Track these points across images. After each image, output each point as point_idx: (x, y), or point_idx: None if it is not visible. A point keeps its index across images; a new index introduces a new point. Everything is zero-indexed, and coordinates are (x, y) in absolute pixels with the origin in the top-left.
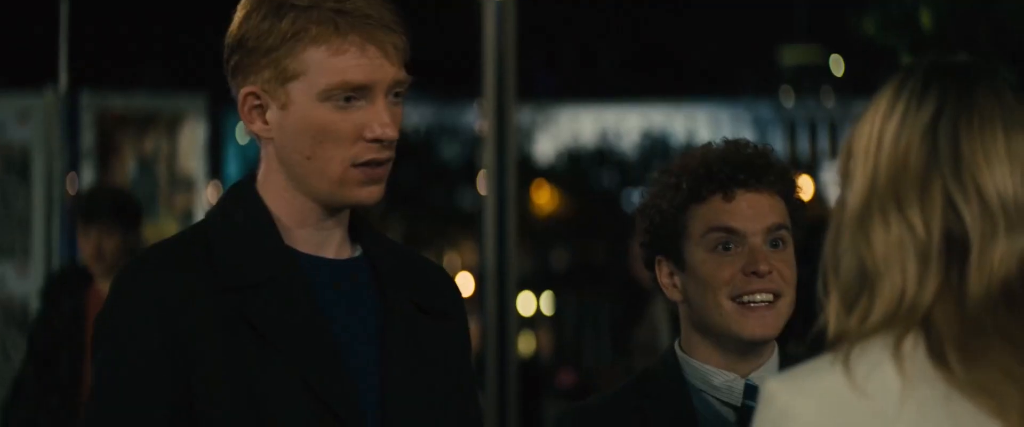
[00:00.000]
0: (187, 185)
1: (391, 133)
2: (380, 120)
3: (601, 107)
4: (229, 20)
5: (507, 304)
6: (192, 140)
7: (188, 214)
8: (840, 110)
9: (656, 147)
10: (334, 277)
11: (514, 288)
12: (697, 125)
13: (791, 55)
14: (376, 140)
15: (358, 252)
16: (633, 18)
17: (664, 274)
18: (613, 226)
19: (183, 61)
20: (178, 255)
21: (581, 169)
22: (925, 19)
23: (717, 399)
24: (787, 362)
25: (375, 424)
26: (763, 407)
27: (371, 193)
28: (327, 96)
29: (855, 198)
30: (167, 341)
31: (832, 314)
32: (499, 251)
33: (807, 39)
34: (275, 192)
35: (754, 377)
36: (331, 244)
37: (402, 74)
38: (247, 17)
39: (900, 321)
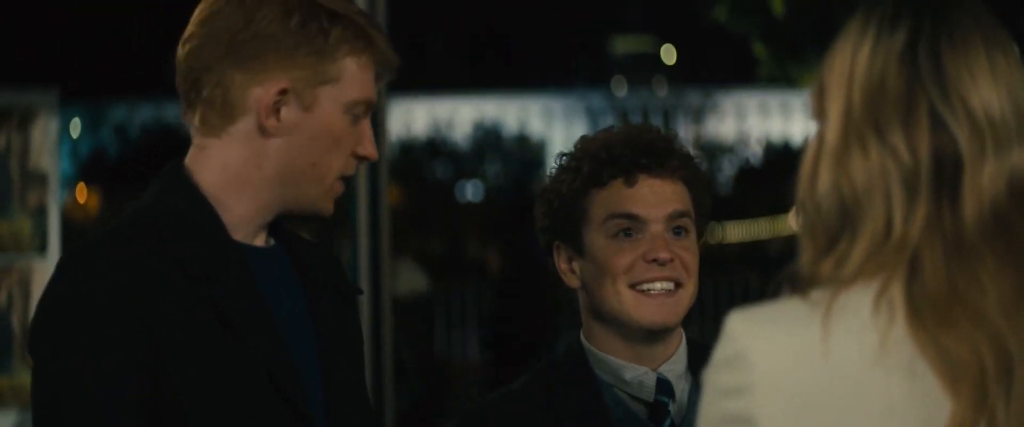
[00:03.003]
0: (41, 180)
1: (376, 152)
2: (370, 138)
3: (433, 99)
4: (82, 13)
5: (382, 297)
6: (44, 135)
7: (42, 210)
8: (672, 98)
9: (488, 138)
10: (268, 267)
11: (388, 281)
12: (529, 115)
13: (623, 44)
14: (364, 157)
15: (272, 241)
16: (465, 8)
17: (562, 260)
18: (447, 217)
19: (33, 54)
20: (134, 241)
21: (414, 161)
22: (776, 5)
23: (627, 394)
24: (695, 351)
25: (321, 411)
26: (723, 342)
27: (332, 207)
28: (350, 108)
29: (831, 132)
30: (137, 326)
31: (805, 257)
32: (373, 247)
33: (639, 29)
34: (233, 185)
35: (664, 370)
36: (263, 234)
37: None
38: (278, 15)
39: (886, 261)
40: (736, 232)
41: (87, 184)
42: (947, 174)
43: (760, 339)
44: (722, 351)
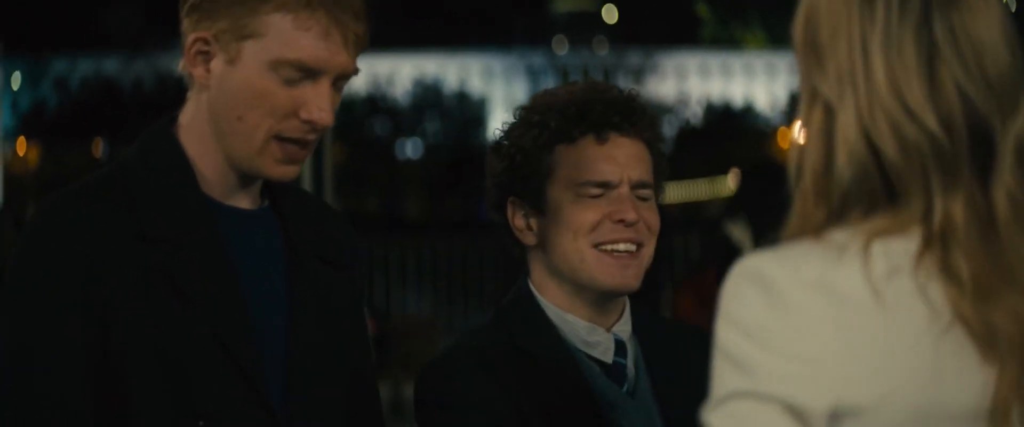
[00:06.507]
0: None
1: (327, 119)
2: (319, 104)
3: (373, 56)
4: None
5: None
6: None
7: None
8: (613, 58)
9: (428, 96)
10: (246, 229)
11: None
12: (470, 74)
13: (564, 3)
14: (309, 122)
15: (265, 202)
16: None
17: (516, 216)
18: (386, 174)
19: None
20: (100, 197)
21: (354, 118)
22: None
23: (586, 355)
24: (635, 313)
25: (280, 382)
26: (762, 292)
27: (286, 171)
28: (276, 67)
29: (847, 113)
30: (86, 287)
31: (808, 215)
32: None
33: None
34: (199, 139)
35: (617, 331)
36: (246, 195)
37: (353, 65)
38: None
39: (924, 232)
40: (675, 193)
41: (27, 137)
42: (977, 144)
43: (812, 288)
44: (761, 299)
